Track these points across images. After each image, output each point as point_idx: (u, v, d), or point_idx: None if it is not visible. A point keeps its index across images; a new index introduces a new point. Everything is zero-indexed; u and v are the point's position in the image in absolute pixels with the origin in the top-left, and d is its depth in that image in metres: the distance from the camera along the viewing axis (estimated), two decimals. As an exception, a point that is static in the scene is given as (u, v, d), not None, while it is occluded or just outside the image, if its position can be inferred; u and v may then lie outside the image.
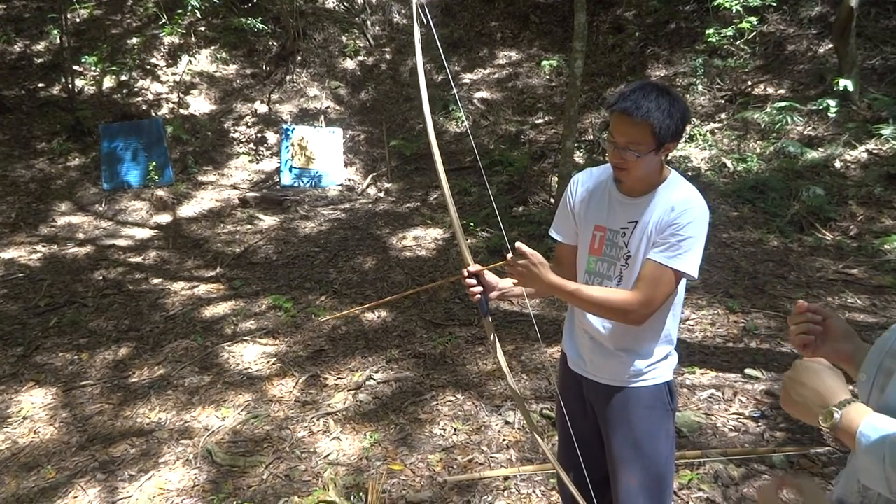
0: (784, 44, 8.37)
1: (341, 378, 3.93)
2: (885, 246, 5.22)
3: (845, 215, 5.80)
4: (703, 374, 3.67)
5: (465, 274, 1.77)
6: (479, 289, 1.77)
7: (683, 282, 1.74)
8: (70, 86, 8.66)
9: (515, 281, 1.75)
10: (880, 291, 4.57)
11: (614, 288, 1.74)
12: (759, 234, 5.67)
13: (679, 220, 1.62)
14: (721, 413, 3.28)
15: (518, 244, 1.66)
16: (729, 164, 6.92)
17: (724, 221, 5.94)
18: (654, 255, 1.64)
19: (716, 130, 7.57)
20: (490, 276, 1.82)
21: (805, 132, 7.09)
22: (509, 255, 1.65)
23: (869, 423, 0.92)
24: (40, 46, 9.60)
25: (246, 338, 4.45)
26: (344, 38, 10.18)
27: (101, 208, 7.40)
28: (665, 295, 1.65)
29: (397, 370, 3.98)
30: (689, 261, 1.63)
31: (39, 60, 9.42)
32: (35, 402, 3.80)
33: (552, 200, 6.67)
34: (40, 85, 9.11)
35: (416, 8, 1.91)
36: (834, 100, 6.94)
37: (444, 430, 3.34)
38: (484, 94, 9.33)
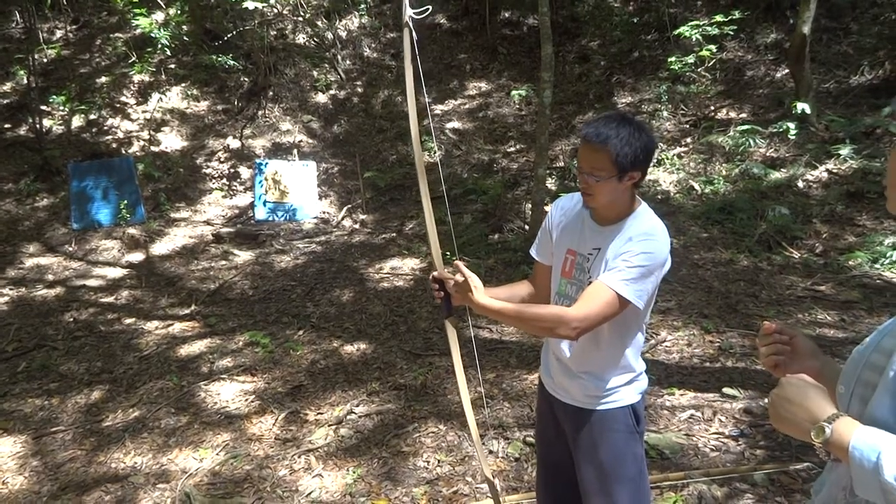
0: (743, 70, 8.69)
1: (322, 413, 3.88)
2: (850, 262, 5.38)
3: (810, 233, 5.97)
4: (682, 394, 3.71)
5: (431, 278, 1.91)
6: (442, 293, 1.88)
7: (648, 315, 1.79)
8: (38, 126, 8.56)
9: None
10: (848, 307, 4.70)
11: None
12: (729, 255, 5.80)
13: (633, 248, 1.66)
14: (702, 433, 3.31)
15: (457, 263, 1.81)
16: (697, 186, 7.10)
17: (695, 243, 6.07)
18: (601, 275, 1.69)
19: (682, 154, 7.77)
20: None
21: (768, 154, 7.32)
22: (457, 276, 1.79)
23: (860, 436, 0.96)
24: (6, 87, 9.49)
25: (223, 376, 4.38)
26: (315, 73, 10.27)
27: (70, 248, 7.27)
28: (601, 314, 1.64)
29: (378, 403, 3.95)
30: (633, 288, 1.64)
31: (6, 101, 9.31)
32: (3, 451, 3.67)
33: (527, 227, 6.74)
34: (6, 126, 8.98)
35: (408, 21, 1.94)
36: (793, 122, 7.20)
37: (428, 462, 3.31)
38: (456, 124, 9.46)
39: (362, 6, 11.00)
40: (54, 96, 8.82)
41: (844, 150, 6.76)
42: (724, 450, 3.15)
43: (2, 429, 3.88)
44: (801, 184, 6.70)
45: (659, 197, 7.09)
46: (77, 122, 9.00)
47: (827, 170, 6.77)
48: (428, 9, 1.93)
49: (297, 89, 10.03)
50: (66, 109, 8.89)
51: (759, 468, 2.92)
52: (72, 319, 5.51)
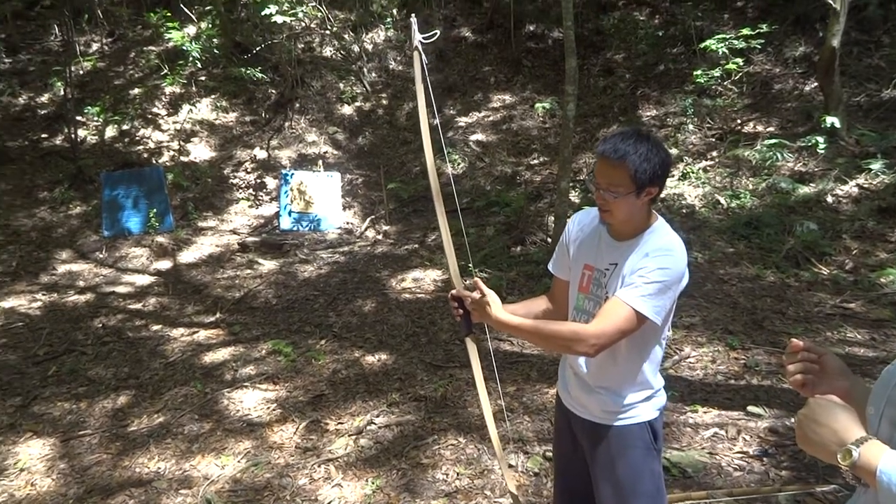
0: (771, 83, 8.59)
1: (342, 423, 3.91)
2: (881, 279, 5.26)
3: (840, 249, 5.85)
4: (705, 412, 3.65)
5: (450, 296, 1.92)
6: (461, 311, 1.89)
7: (665, 330, 1.77)
8: (73, 136, 8.82)
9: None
10: (879, 325, 4.59)
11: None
12: (755, 270, 5.71)
13: (649, 264, 1.66)
14: (725, 452, 3.25)
15: (475, 279, 1.81)
16: (722, 200, 7.01)
17: (721, 257, 5.99)
18: (618, 291, 1.68)
19: (708, 168, 7.69)
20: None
21: (796, 168, 7.21)
22: (474, 292, 1.80)
23: (888, 461, 0.94)
24: (44, 98, 9.80)
25: (246, 383, 4.43)
26: (341, 85, 10.41)
27: (101, 255, 7.44)
28: (618, 331, 1.64)
29: (398, 414, 3.96)
30: (651, 304, 1.63)
31: (43, 112, 9.61)
32: (32, 453, 3.76)
33: (549, 240, 6.73)
34: (43, 135, 9.27)
35: (417, 45, 1.99)
36: (822, 136, 7.08)
37: (447, 474, 3.31)
38: (479, 136, 9.50)
39: (388, 20, 11.14)
40: (89, 107, 9.09)
41: (876, 165, 6.62)
42: (747, 469, 3.09)
43: (32, 431, 3.98)
44: (830, 199, 6.58)
45: (684, 211, 7.02)
46: (110, 132, 9.24)
47: (857, 185, 6.64)
48: (436, 33, 1.98)
49: (323, 101, 10.17)
50: (101, 120, 9.15)
51: (784, 489, 2.86)
52: (101, 325, 5.63)
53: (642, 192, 1.65)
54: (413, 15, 1.98)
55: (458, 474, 3.29)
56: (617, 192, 1.64)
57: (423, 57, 1.96)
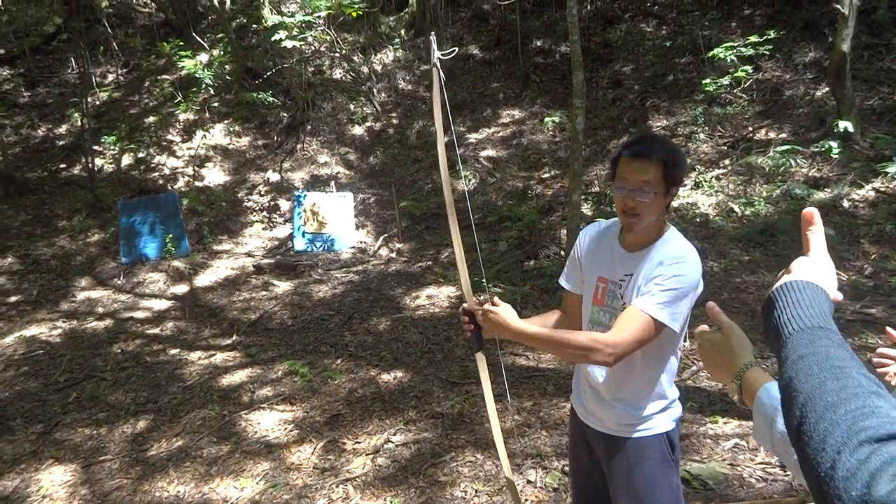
0: (781, 89, 8.55)
1: (359, 442, 3.90)
2: (902, 283, 5.18)
3: (858, 254, 5.78)
4: (725, 422, 3.60)
5: (462, 310, 1.92)
6: (472, 326, 1.89)
7: (681, 341, 1.76)
8: (90, 165, 8.99)
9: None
10: (901, 330, 4.50)
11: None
12: (772, 278, 5.62)
13: (664, 272, 1.66)
14: (747, 463, 3.20)
15: (495, 298, 1.81)
16: (737, 208, 6.96)
17: (737, 266, 5.93)
18: (634, 300, 1.68)
19: (721, 176, 7.65)
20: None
21: (810, 174, 7.15)
22: (486, 305, 1.79)
23: (766, 389, 1.01)
24: (62, 129, 10.02)
25: (263, 405, 4.45)
26: (352, 106, 10.53)
27: (119, 282, 7.54)
28: (636, 339, 1.63)
29: (415, 432, 3.95)
30: (668, 312, 1.63)
31: (61, 143, 9.82)
32: (54, 479, 3.79)
33: (562, 253, 6.71)
34: (62, 166, 9.47)
35: (436, 62, 2.01)
36: (835, 141, 7.03)
37: (466, 491, 3.29)
38: (490, 152, 9.54)
39: (396, 41, 11.29)
40: (106, 137, 9.29)
41: (892, 168, 6.55)
42: (770, 480, 3.04)
43: (53, 458, 4.01)
44: (846, 203, 6.51)
45: (698, 220, 6.98)
46: (126, 160, 9.42)
47: (874, 188, 6.57)
48: (454, 50, 2.00)
49: (334, 122, 10.29)
50: (117, 149, 9.34)
51: (808, 499, 2.80)
52: (120, 351, 5.70)
53: (669, 192, 1.68)
54: (433, 33, 2.00)
55: (476, 491, 3.26)
56: (654, 191, 1.65)
57: (442, 73, 1.98)
